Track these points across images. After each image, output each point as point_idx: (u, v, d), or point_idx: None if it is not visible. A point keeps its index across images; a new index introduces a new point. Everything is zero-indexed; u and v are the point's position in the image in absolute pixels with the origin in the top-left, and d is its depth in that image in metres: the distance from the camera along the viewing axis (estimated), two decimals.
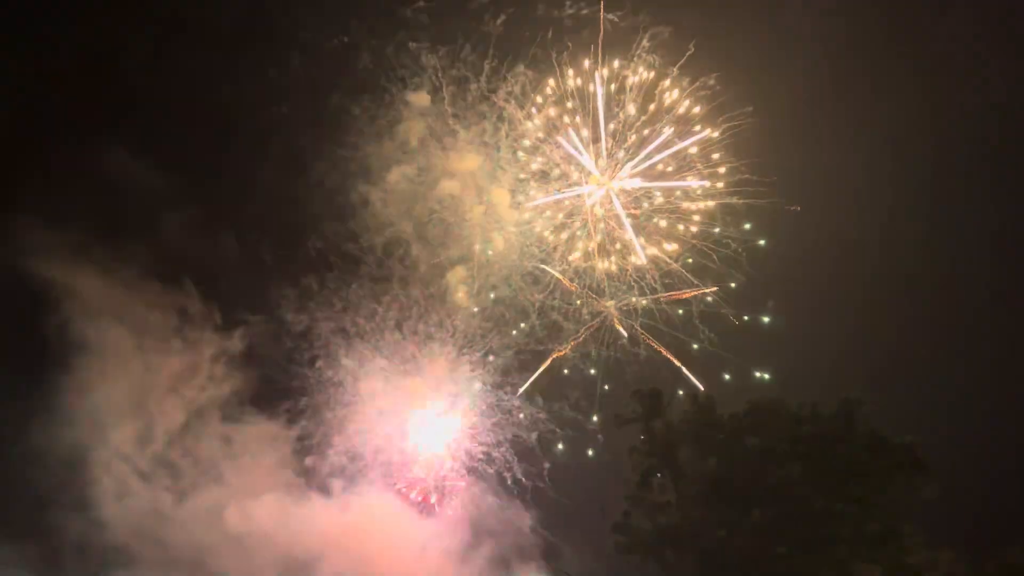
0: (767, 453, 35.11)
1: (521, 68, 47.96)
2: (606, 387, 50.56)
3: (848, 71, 44.83)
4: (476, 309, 51.82)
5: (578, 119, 48.34)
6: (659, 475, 36.15)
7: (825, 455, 34.18)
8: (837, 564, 33.02)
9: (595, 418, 51.23)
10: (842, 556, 33.09)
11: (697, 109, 47.70)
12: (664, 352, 49.70)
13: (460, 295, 50.98)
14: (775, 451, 35.05)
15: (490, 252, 50.42)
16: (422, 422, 52.38)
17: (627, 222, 48.56)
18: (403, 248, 50.87)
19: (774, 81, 44.40)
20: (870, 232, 44.46)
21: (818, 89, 44.25)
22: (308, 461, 51.38)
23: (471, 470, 52.22)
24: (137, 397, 46.78)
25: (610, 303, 50.15)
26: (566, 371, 52.04)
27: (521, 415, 51.85)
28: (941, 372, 41.19)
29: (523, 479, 51.93)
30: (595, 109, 47.55)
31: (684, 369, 49.23)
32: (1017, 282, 40.90)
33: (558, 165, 49.75)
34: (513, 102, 48.54)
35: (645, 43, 46.65)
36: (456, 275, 50.56)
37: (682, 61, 47.12)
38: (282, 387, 50.50)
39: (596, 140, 48.03)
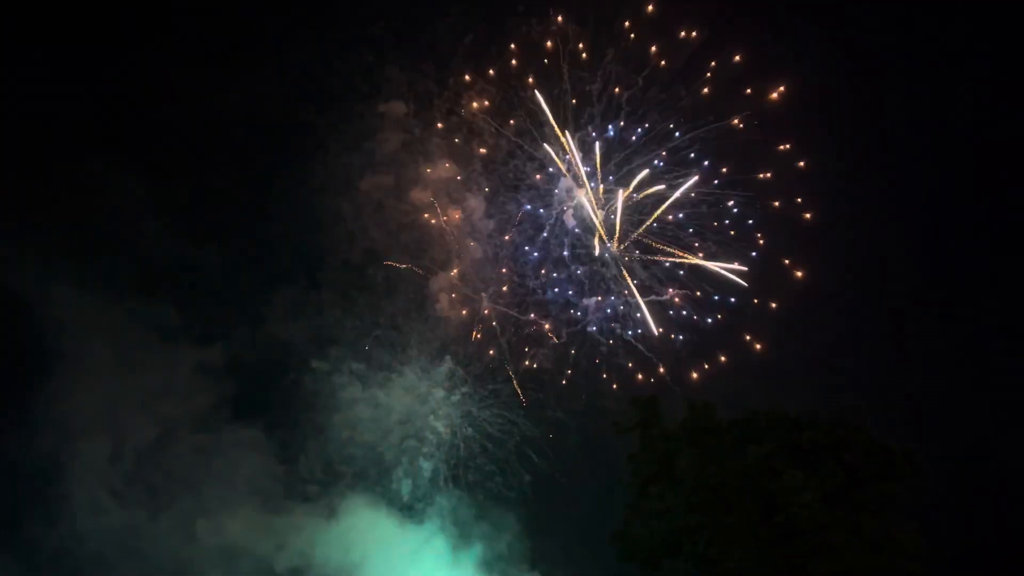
0: (767, 460, 34.98)
1: (486, 84, 48.55)
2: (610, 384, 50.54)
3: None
4: (454, 317, 51.67)
5: (546, 129, 48.55)
6: (659, 483, 35.92)
7: (825, 462, 34.19)
8: (838, 572, 33.03)
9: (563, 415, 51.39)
10: (843, 564, 33.11)
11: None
12: (651, 355, 49.62)
13: (440, 304, 50.71)
14: (775, 458, 34.94)
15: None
16: (402, 428, 51.96)
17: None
18: (378, 257, 50.73)
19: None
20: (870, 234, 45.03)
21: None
22: (289, 470, 50.92)
23: (454, 477, 51.84)
24: (116, 408, 46.00)
25: (592, 302, 49.97)
26: (549, 377, 51.83)
27: (501, 422, 51.61)
28: (943, 376, 41.70)
29: (508, 486, 51.63)
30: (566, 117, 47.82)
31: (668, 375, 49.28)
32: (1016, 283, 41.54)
33: (527, 178, 49.89)
34: (483, 116, 49.07)
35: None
36: (436, 282, 50.39)
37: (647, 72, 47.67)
38: (260, 398, 50.27)
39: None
